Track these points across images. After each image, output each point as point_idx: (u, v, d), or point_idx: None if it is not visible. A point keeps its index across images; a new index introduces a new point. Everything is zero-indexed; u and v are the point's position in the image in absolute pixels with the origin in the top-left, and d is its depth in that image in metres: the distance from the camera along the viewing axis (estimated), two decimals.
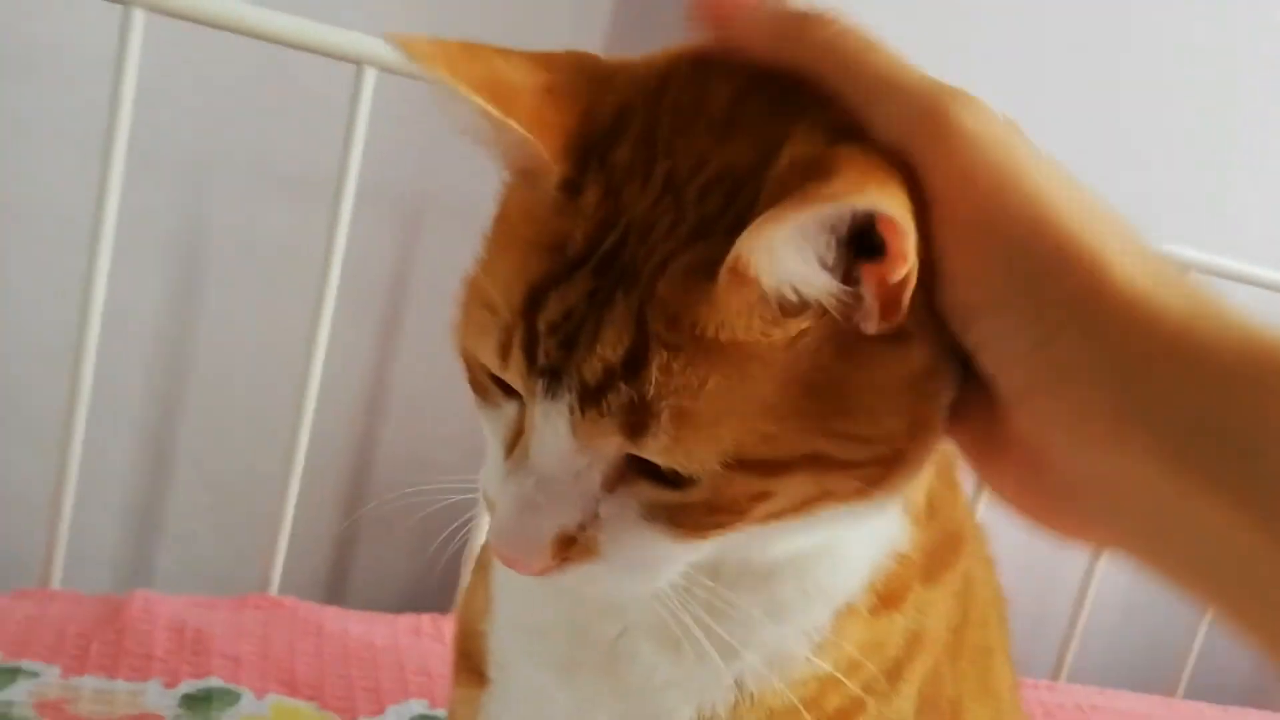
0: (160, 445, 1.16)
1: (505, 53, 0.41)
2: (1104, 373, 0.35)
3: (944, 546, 0.52)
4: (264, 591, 1.06)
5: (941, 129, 0.36)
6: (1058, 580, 1.51)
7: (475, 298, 0.42)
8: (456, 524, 0.56)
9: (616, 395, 0.37)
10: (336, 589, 1.25)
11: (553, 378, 0.38)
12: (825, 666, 0.47)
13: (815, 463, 0.38)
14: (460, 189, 1.16)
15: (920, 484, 0.48)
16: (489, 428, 0.43)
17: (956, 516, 0.54)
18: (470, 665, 0.58)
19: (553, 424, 0.38)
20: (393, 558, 1.25)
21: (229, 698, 0.86)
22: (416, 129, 1.14)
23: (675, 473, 0.38)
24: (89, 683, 0.84)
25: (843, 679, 0.47)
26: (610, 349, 0.37)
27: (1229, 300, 0.36)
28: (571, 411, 0.38)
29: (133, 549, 1.18)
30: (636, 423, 0.37)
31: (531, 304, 0.38)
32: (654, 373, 0.36)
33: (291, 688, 0.90)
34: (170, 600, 0.96)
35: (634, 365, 0.37)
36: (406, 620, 1.05)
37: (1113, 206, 0.38)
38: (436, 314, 1.23)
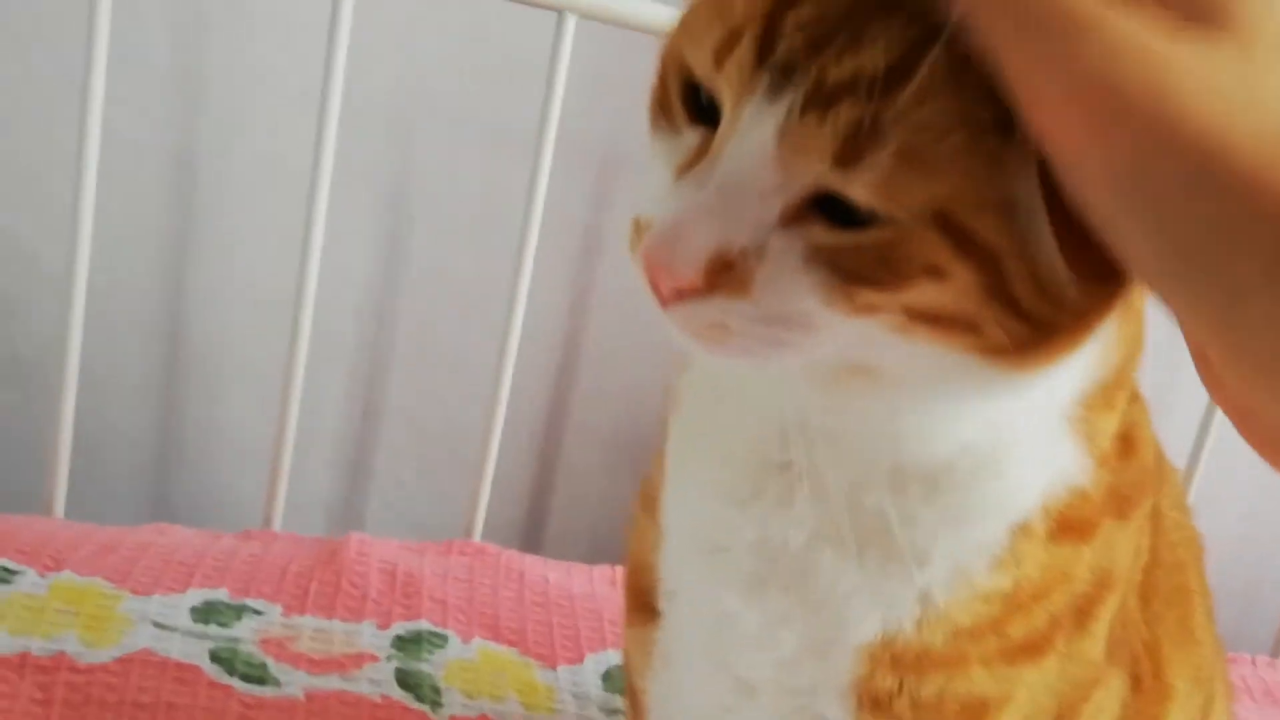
0: (370, 394, 1.21)
1: None
2: None
3: (1138, 482, 0.50)
4: (467, 537, 1.09)
5: (1084, 96, 0.32)
6: (1277, 547, 1.43)
7: (699, 13, 0.40)
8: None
9: (851, 107, 0.35)
10: (532, 537, 1.27)
11: (781, 75, 0.36)
12: (1005, 582, 0.46)
13: (994, 273, 0.36)
14: None
15: (1108, 426, 0.47)
16: (663, 155, 0.41)
17: (1151, 454, 0.52)
18: (641, 603, 0.58)
19: (761, 127, 0.36)
20: (586, 509, 1.27)
21: (438, 640, 0.89)
22: (614, 82, 1.13)
23: (860, 214, 0.36)
24: (308, 622, 0.88)
25: (1027, 602, 0.46)
26: (876, 54, 0.35)
27: None
28: (789, 115, 0.36)
29: (344, 493, 1.23)
30: (856, 148, 0.35)
31: (782, 5, 0.37)
32: (909, 95, 0.34)
33: (495, 633, 0.92)
34: (382, 544, 1.00)
35: (891, 80, 0.34)
36: (602, 571, 1.06)
37: None
38: (630, 264, 1.23)
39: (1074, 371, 0.43)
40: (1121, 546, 0.50)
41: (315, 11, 0.98)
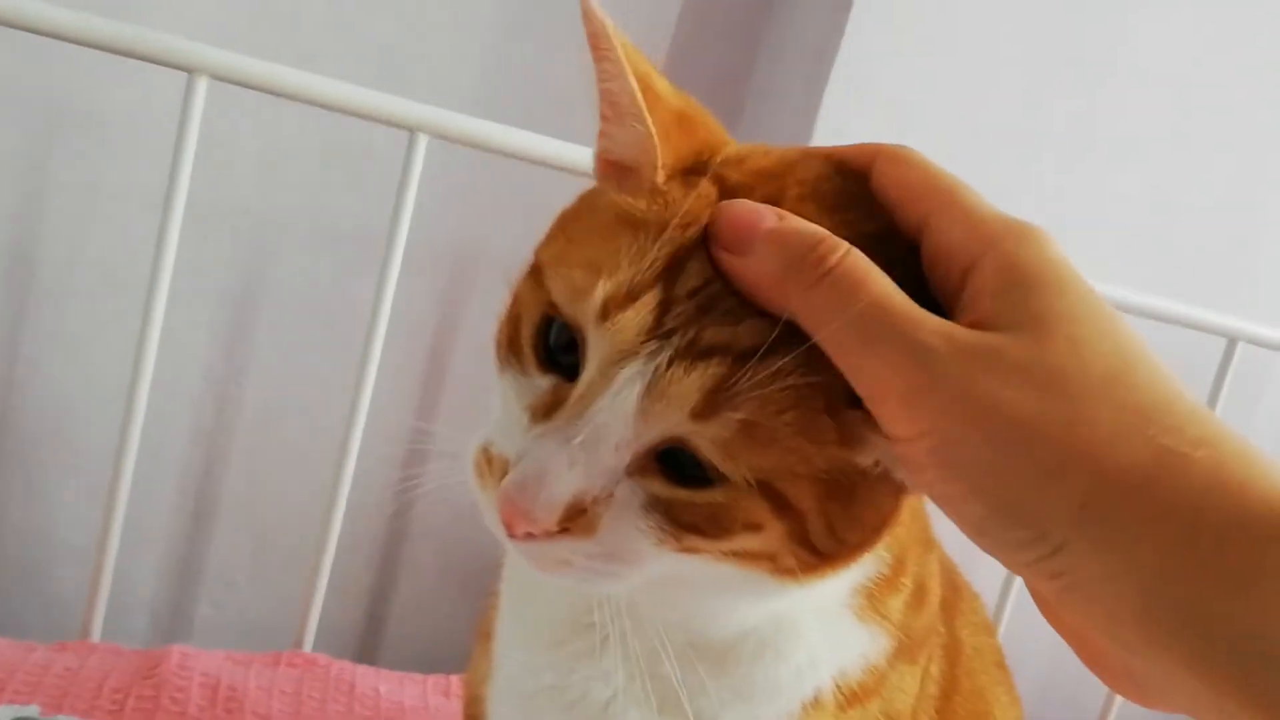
0: (204, 495, 1.18)
1: (658, 73, 0.46)
2: (1120, 580, 0.34)
3: (927, 626, 0.55)
4: (299, 645, 1.07)
5: (916, 393, 0.37)
6: None
7: (569, 262, 0.43)
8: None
9: (719, 366, 0.39)
10: (369, 644, 1.26)
11: (663, 338, 0.39)
12: None
13: (799, 526, 0.42)
14: (503, 250, 1.19)
15: (897, 603, 0.52)
16: (511, 393, 0.44)
17: (938, 598, 0.57)
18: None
19: (630, 386, 0.40)
20: (425, 615, 1.26)
21: None
22: (464, 193, 1.15)
23: (696, 476, 0.41)
24: None
25: None
26: (747, 331, 0.39)
27: (1253, 453, 0.35)
28: (658, 370, 0.39)
29: (173, 596, 1.20)
30: (714, 403, 0.39)
31: (670, 270, 0.40)
32: (766, 373, 0.39)
33: None
34: (206, 655, 0.98)
35: (754, 355, 0.39)
36: (436, 680, 1.06)
37: (1123, 342, 0.37)
38: (478, 369, 1.26)
39: (849, 574, 0.48)
40: (909, 686, 0.54)
41: (165, 115, 0.97)
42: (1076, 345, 0.36)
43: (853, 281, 0.38)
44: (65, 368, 1.11)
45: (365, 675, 1.03)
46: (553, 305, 0.43)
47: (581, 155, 1.03)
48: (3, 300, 1.08)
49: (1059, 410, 0.35)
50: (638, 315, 0.40)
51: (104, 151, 1.06)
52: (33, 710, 0.85)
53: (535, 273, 0.45)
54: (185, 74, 0.93)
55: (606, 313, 0.40)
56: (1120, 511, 0.34)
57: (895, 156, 0.43)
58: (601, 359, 0.41)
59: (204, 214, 1.04)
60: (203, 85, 0.94)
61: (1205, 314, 1.26)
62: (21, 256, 1.08)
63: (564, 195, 0.48)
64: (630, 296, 0.40)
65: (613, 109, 0.45)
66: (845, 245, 0.39)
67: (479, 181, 1.15)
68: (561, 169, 1.02)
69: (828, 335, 0.38)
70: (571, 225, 0.46)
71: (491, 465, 0.43)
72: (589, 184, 0.48)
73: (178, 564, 1.19)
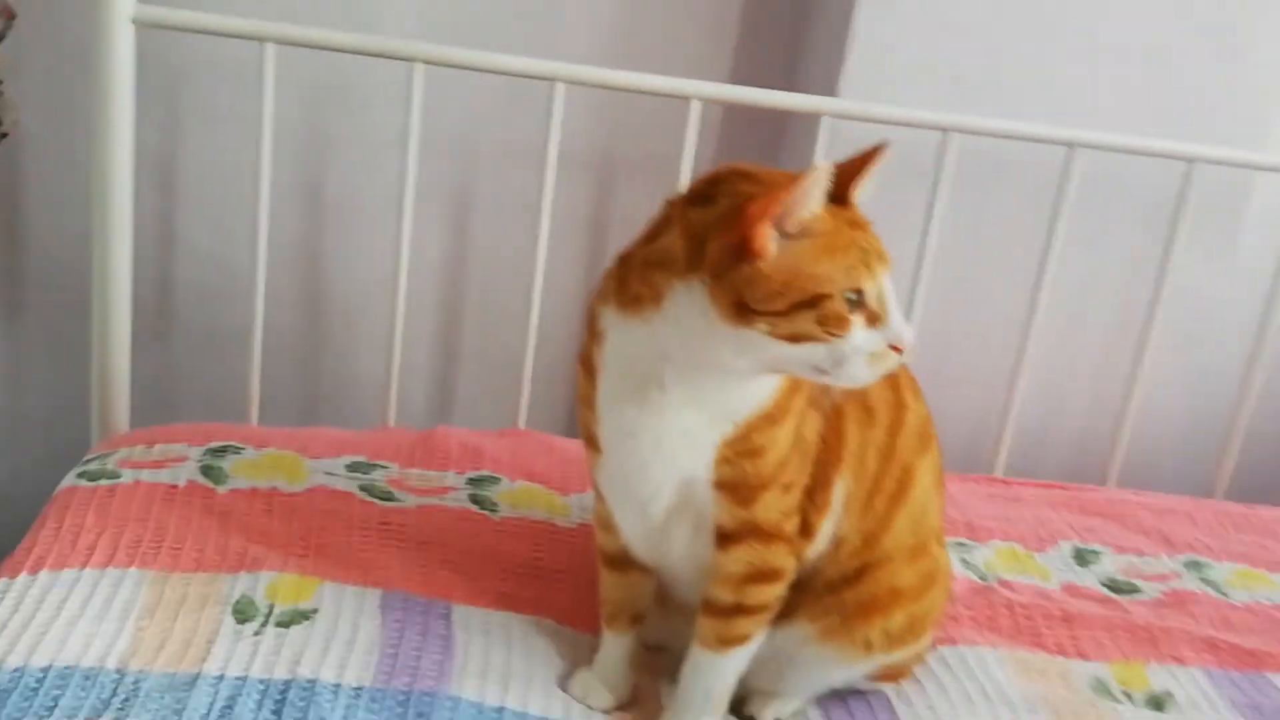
0: (449, 337, 1.78)
1: None
2: None
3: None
4: (514, 425, 1.65)
5: None
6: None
7: None
8: None
9: None
10: (570, 427, 1.81)
11: None
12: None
13: None
14: (646, 148, 1.70)
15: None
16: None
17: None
18: (588, 435, 1.05)
19: None
20: None
21: (494, 481, 1.44)
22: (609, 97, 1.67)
23: None
24: (415, 472, 1.43)
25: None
26: None
27: None
28: None
29: (437, 393, 1.84)
30: None
31: None
32: None
33: (531, 478, 1.46)
34: (458, 431, 1.55)
35: None
36: None
37: None
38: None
39: None
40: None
41: (399, 78, 1.52)
42: None
43: None
44: (355, 261, 1.72)
45: (560, 442, 1.58)
46: None
47: None
48: (305, 222, 1.69)
49: None
50: None
51: (372, 110, 1.64)
52: (362, 458, 1.44)
53: None
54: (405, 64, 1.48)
55: None
56: None
57: None
58: None
59: (433, 144, 1.59)
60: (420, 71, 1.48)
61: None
62: (314, 190, 1.68)
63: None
64: None
65: None
66: None
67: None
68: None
69: None
70: None
71: None
72: None
73: (438, 387, 1.79)
